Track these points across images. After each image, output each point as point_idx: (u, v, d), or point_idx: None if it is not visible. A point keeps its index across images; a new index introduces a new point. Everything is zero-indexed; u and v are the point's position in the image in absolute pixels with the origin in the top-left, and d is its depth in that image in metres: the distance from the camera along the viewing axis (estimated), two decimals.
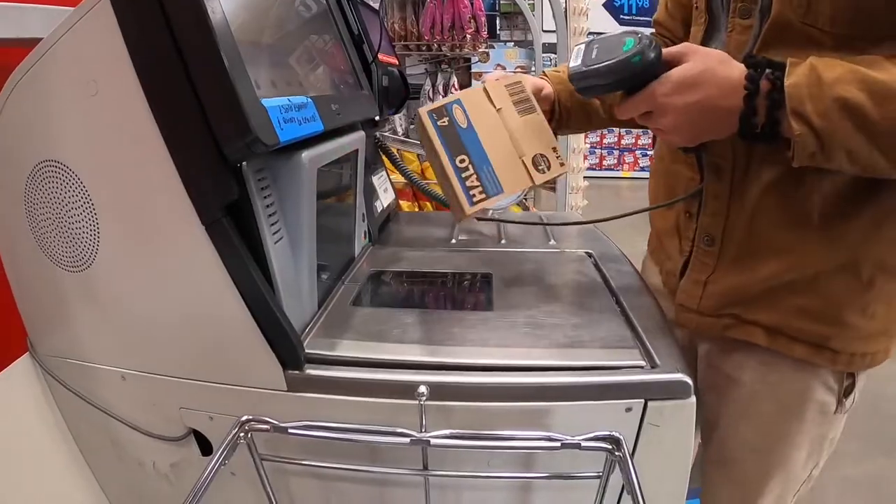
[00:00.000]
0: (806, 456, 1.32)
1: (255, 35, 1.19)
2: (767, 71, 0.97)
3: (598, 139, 10.22)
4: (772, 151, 1.06)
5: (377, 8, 2.08)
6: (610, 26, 10.30)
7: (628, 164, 10.69)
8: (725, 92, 1.00)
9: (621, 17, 10.41)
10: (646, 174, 1.70)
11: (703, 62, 1.02)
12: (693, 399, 1.12)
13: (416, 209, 3.34)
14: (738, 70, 0.99)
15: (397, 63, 2.17)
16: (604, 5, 10.28)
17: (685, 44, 1.08)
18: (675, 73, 1.03)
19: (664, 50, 1.06)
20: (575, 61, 1.13)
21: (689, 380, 1.11)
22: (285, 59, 1.31)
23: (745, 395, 1.31)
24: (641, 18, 10.42)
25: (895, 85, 0.89)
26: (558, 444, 0.99)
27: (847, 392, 1.26)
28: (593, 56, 1.10)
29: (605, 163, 10.45)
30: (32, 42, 1.15)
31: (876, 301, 1.16)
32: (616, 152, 10.25)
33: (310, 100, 1.18)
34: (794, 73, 0.95)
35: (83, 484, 1.45)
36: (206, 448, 1.28)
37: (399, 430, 0.99)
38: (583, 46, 1.15)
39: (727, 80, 1.00)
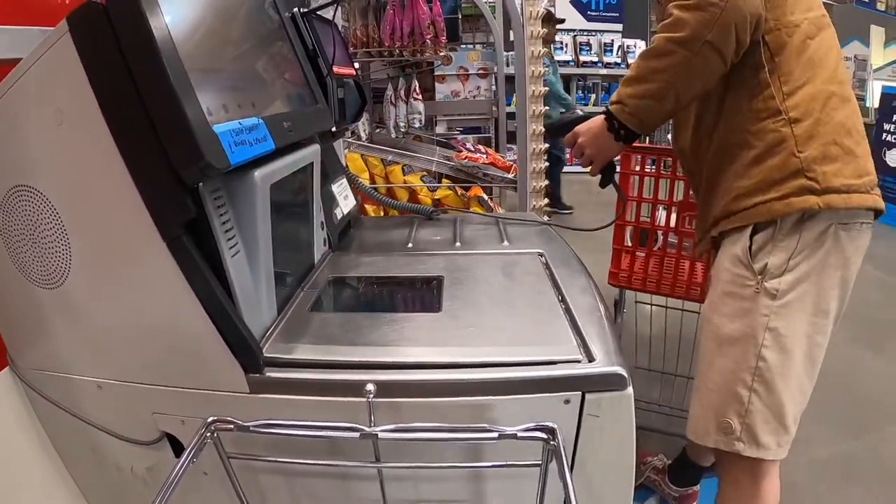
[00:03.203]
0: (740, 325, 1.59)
1: (206, 61, 1.25)
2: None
3: None
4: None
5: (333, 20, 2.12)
6: (577, 21, 10.33)
7: None
8: (596, 120, 1.74)
9: (588, 13, 10.42)
10: None
11: (590, 119, 1.78)
12: (630, 391, 1.21)
13: (382, 214, 3.38)
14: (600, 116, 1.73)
15: (354, 74, 2.22)
16: (570, 2, 10.28)
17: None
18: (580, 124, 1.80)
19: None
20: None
21: (625, 372, 1.20)
22: (238, 80, 1.38)
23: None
24: (608, 14, 10.44)
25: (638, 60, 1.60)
26: (496, 434, 1.07)
27: (753, 253, 1.57)
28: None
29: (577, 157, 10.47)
30: (3, 63, 1.21)
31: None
32: None
33: (261, 121, 1.25)
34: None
35: (65, 492, 1.51)
36: (179, 451, 1.34)
37: (349, 425, 1.07)
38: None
39: (597, 118, 1.74)
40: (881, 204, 1.54)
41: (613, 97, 1.63)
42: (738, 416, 1.57)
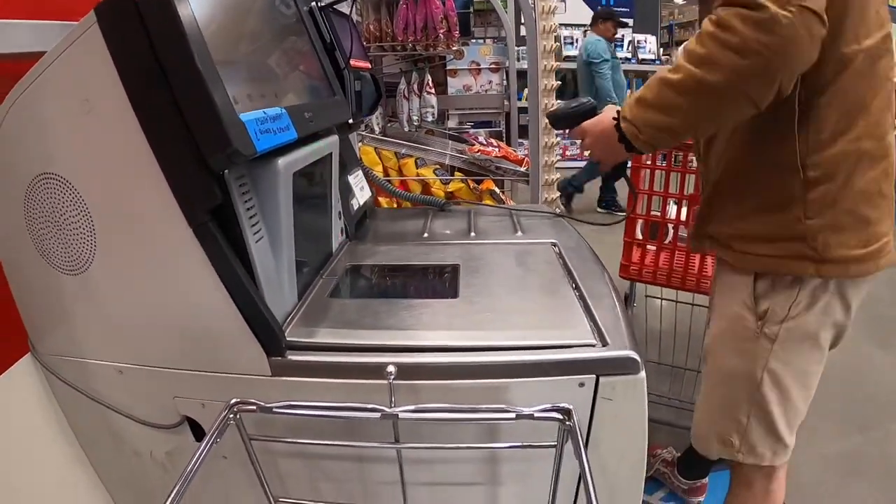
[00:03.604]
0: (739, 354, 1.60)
1: (232, 53, 1.28)
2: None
3: None
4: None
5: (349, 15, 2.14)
6: (587, 16, 10.27)
7: None
8: (607, 124, 1.59)
9: (599, 8, 10.38)
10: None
11: (599, 117, 1.68)
12: (643, 374, 1.23)
13: (395, 206, 3.40)
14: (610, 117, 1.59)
15: (369, 67, 2.24)
16: None
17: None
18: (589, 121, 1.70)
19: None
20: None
21: (637, 357, 1.22)
22: (261, 72, 1.40)
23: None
24: (618, 9, 10.41)
25: (662, 76, 1.38)
26: (513, 415, 1.09)
27: (758, 297, 1.54)
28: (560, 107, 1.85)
29: (585, 153, 10.45)
30: (23, 56, 1.23)
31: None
32: None
33: (284, 110, 1.27)
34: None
35: (83, 477, 1.53)
36: (199, 435, 1.37)
37: (371, 405, 1.09)
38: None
39: (607, 119, 1.60)
40: (883, 266, 1.50)
41: (627, 113, 1.46)
42: (738, 434, 1.63)
